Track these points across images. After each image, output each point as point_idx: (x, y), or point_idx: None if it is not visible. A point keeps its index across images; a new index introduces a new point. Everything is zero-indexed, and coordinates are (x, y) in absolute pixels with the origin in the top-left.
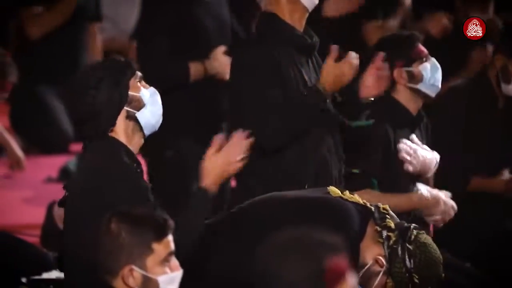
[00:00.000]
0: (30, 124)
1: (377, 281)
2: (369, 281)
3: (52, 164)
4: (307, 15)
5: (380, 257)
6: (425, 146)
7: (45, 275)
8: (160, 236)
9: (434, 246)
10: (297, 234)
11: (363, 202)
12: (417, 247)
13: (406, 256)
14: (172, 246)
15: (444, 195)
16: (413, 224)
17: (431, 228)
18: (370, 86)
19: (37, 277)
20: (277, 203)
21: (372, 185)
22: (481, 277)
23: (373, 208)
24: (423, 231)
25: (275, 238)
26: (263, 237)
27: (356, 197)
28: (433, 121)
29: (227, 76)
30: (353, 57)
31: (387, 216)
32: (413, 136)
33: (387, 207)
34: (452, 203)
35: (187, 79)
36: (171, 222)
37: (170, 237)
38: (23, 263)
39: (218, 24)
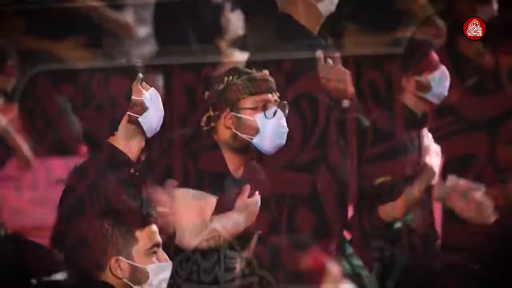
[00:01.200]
0: (39, 125)
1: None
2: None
3: (62, 165)
4: (322, 20)
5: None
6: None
7: (55, 277)
8: (142, 224)
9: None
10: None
11: None
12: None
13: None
14: (158, 238)
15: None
16: None
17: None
18: None
19: (47, 278)
20: None
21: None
22: (490, 280)
23: None
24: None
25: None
26: None
27: None
28: (443, 122)
29: None
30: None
31: None
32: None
33: None
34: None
35: None
36: (153, 213)
37: (154, 228)
38: (33, 265)
39: None
